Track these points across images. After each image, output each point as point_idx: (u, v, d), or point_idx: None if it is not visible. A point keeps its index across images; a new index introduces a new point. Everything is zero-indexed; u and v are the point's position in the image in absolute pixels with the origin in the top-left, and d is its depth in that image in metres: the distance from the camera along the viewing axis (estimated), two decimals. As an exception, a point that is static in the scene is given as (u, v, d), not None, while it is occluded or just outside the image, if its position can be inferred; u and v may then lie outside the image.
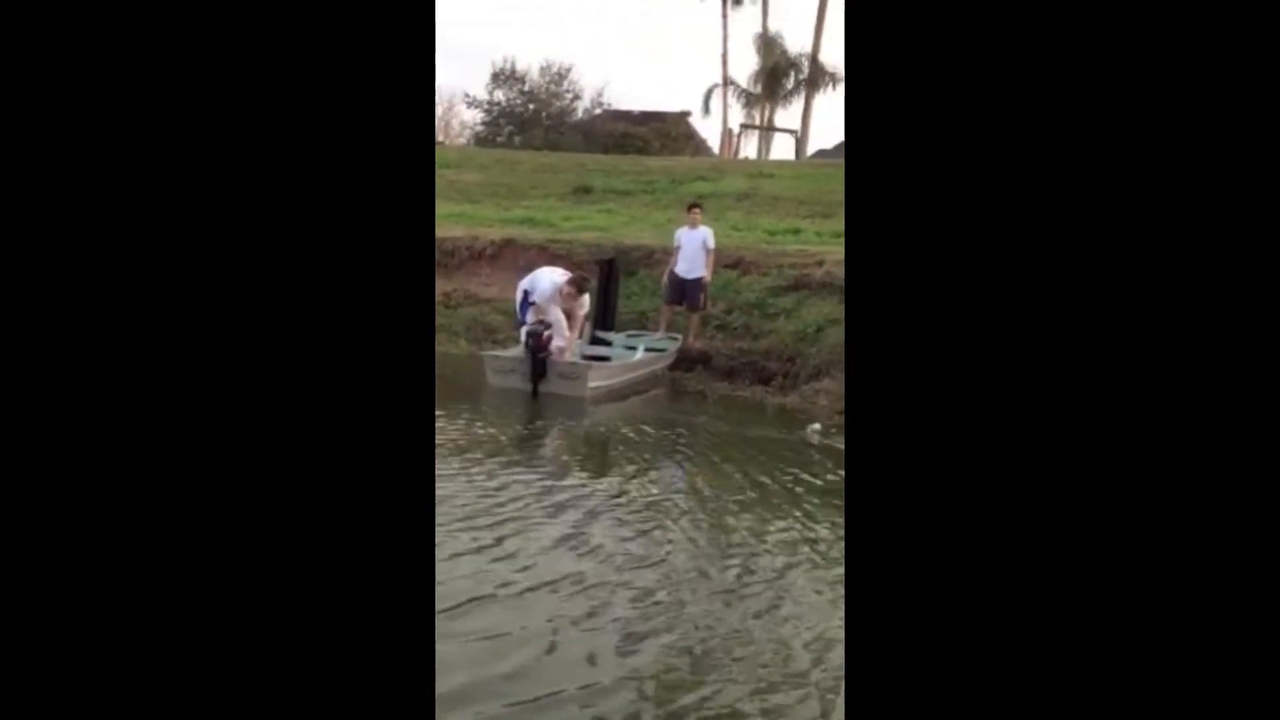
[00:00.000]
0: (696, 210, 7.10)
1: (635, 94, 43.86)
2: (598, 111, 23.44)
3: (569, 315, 5.85)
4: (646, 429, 4.81)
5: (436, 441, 3.87)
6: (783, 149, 22.83)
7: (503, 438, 4.44)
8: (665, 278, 7.09)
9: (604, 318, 6.90)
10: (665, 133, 21.27)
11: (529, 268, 9.19)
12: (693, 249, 6.90)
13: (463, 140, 23.30)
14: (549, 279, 5.87)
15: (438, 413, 4.72)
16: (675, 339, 6.83)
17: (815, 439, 4.79)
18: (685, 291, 6.90)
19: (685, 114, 23.26)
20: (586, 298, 6.07)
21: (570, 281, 5.86)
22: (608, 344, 6.69)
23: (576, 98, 23.86)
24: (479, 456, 3.89)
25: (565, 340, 5.73)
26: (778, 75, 22.13)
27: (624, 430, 4.79)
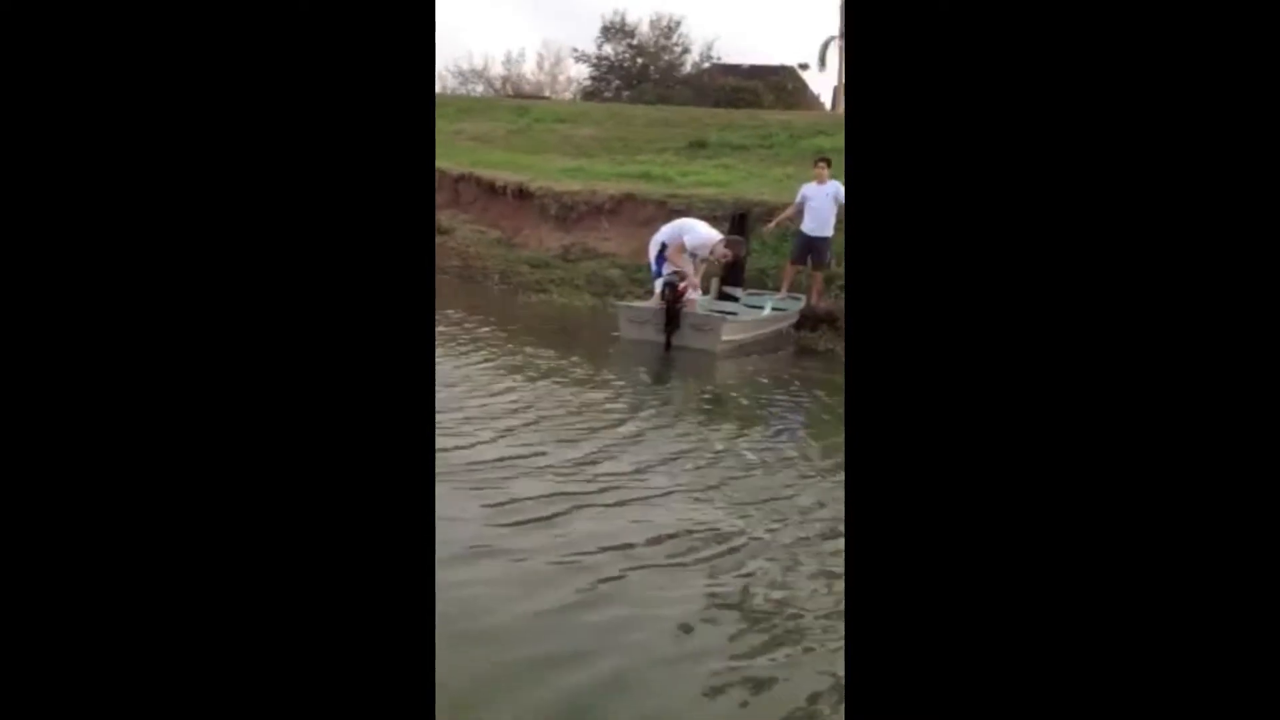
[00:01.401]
0: (824, 165, 6.86)
1: (747, 48, 42.76)
2: (706, 65, 22.99)
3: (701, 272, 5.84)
4: (794, 385, 4.74)
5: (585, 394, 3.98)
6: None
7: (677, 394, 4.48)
8: (795, 235, 6.94)
9: (733, 274, 6.81)
10: (779, 86, 20.69)
11: (648, 223, 9.21)
12: (822, 206, 6.69)
13: (569, 96, 23.32)
14: (705, 232, 5.83)
15: (575, 360, 4.79)
16: (798, 299, 6.69)
17: None
18: (813, 249, 6.73)
19: (803, 66, 22.56)
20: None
21: (728, 244, 5.85)
22: (734, 300, 6.61)
23: (686, 51, 23.48)
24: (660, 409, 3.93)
25: (699, 293, 5.71)
26: (899, 25, 21.06)
27: (789, 385, 4.73)
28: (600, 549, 2.30)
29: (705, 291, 6.34)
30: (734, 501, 2.78)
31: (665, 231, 5.95)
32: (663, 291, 5.54)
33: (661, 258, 5.81)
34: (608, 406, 3.94)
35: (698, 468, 3.14)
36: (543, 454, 3.08)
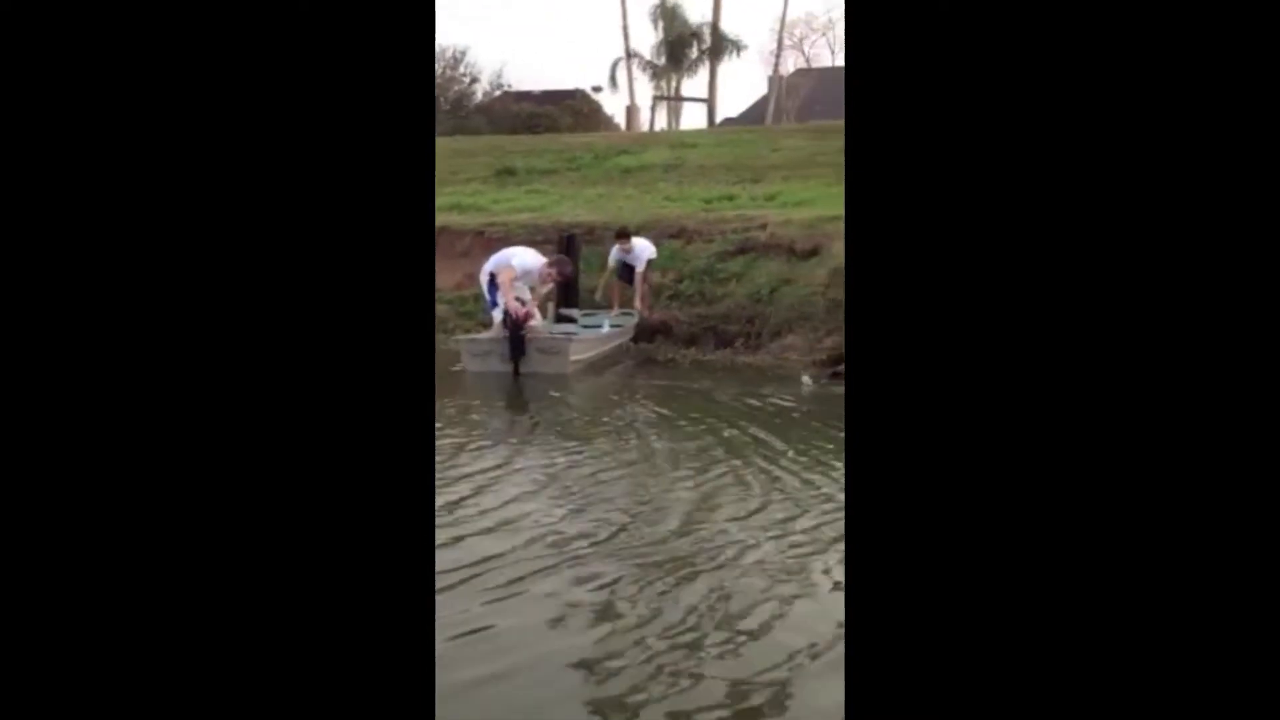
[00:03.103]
0: (625, 240, 6.98)
1: (535, 73, 43.21)
2: (497, 93, 23.03)
3: (537, 294, 5.86)
4: (649, 402, 4.83)
5: (448, 439, 3.84)
6: (690, 119, 22.99)
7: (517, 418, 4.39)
8: (610, 258, 7.13)
9: (567, 296, 6.86)
10: (575, 109, 21.08)
11: (466, 254, 9.07)
12: (636, 259, 6.95)
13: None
14: (532, 257, 5.85)
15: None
16: (631, 313, 6.87)
17: (809, 388, 5.05)
18: (631, 270, 7.01)
19: (596, 89, 23.14)
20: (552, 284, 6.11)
21: (551, 263, 5.91)
22: (573, 320, 6.67)
23: (475, 80, 23.39)
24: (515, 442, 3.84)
25: (538, 318, 5.72)
26: (680, 45, 22.19)
27: (641, 402, 4.79)
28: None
29: (543, 315, 6.35)
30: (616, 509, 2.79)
31: (493, 261, 5.93)
32: (504, 320, 5.49)
33: (494, 286, 5.76)
34: (478, 441, 3.84)
35: (567, 487, 3.13)
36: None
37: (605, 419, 4.36)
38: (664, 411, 4.49)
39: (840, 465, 3.25)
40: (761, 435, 3.86)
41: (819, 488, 3.04)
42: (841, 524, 2.65)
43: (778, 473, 3.24)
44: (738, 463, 3.38)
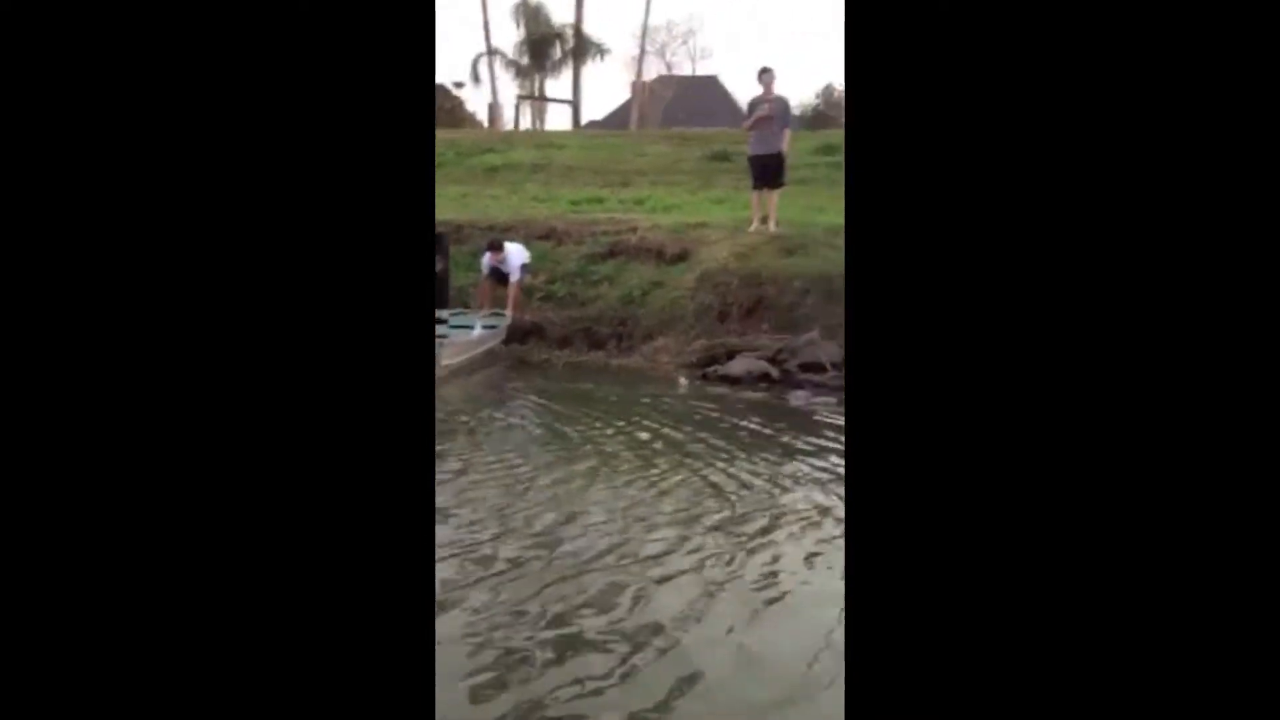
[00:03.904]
0: (498, 250, 6.85)
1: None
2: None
3: None
4: (533, 398, 4.82)
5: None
6: (555, 120, 22.95)
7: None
8: (482, 265, 7.03)
9: (438, 296, 6.70)
10: (437, 105, 20.53)
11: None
12: (509, 266, 6.84)
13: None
14: None
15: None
16: (502, 314, 6.81)
17: (684, 389, 5.26)
18: (501, 273, 6.94)
19: (458, 84, 22.62)
20: None
21: None
22: (443, 322, 6.53)
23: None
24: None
25: None
26: (544, 45, 22.11)
27: (519, 408, 4.76)
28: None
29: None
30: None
31: None
32: None
33: None
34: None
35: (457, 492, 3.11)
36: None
37: (485, 418, 4.34)
38: (560, 409, 4.51)
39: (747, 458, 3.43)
40: (678, 436, 3.98)
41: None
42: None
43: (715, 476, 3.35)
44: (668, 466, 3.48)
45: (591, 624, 2.02)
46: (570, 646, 1.90)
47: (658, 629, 1.98)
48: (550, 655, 1.85)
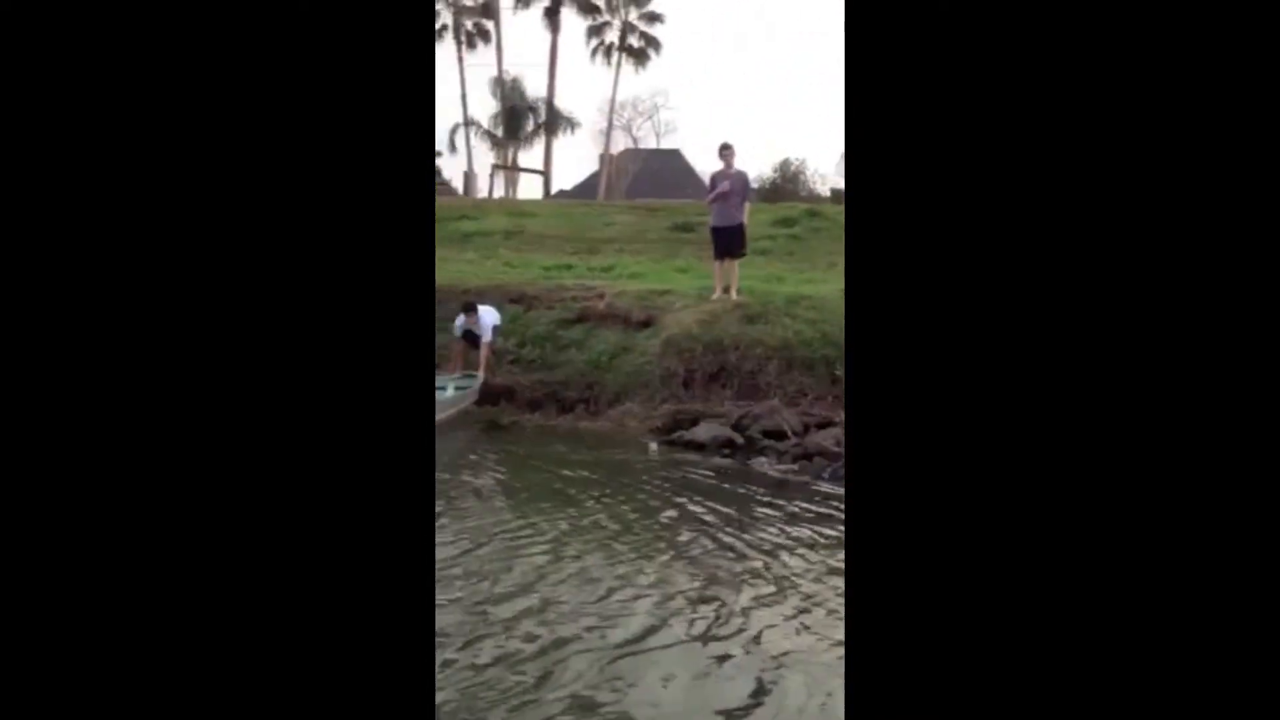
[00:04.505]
0: (472, 312, 7.06)
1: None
2: (329, 148, 22.44)
3: None
4: (499, 468, 4.96)
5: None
6: (526, 189, 23.50)
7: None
8: (455, 327, 7.20)
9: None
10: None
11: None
12: (482, 327, 7.04)
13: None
14: None
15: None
16: (474, 375, 6.96)
17: (654, 453, 5.38)
18: (473, 336, 7.11)
19: (436, 154, 23.15)
20: None
21: None
22: (415, 383, 6.65)
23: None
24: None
25: None
26: (518, 117, 22.80)
27: (489, 471, 4.90)
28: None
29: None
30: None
31: None
32: None
33: None
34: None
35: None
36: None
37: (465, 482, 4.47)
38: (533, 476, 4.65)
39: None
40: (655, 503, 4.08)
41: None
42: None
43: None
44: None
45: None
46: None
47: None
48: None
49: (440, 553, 3.21)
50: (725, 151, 7.63)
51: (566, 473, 4.73)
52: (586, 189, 24.67)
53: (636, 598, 2.68)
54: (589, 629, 2.41)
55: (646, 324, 7.53)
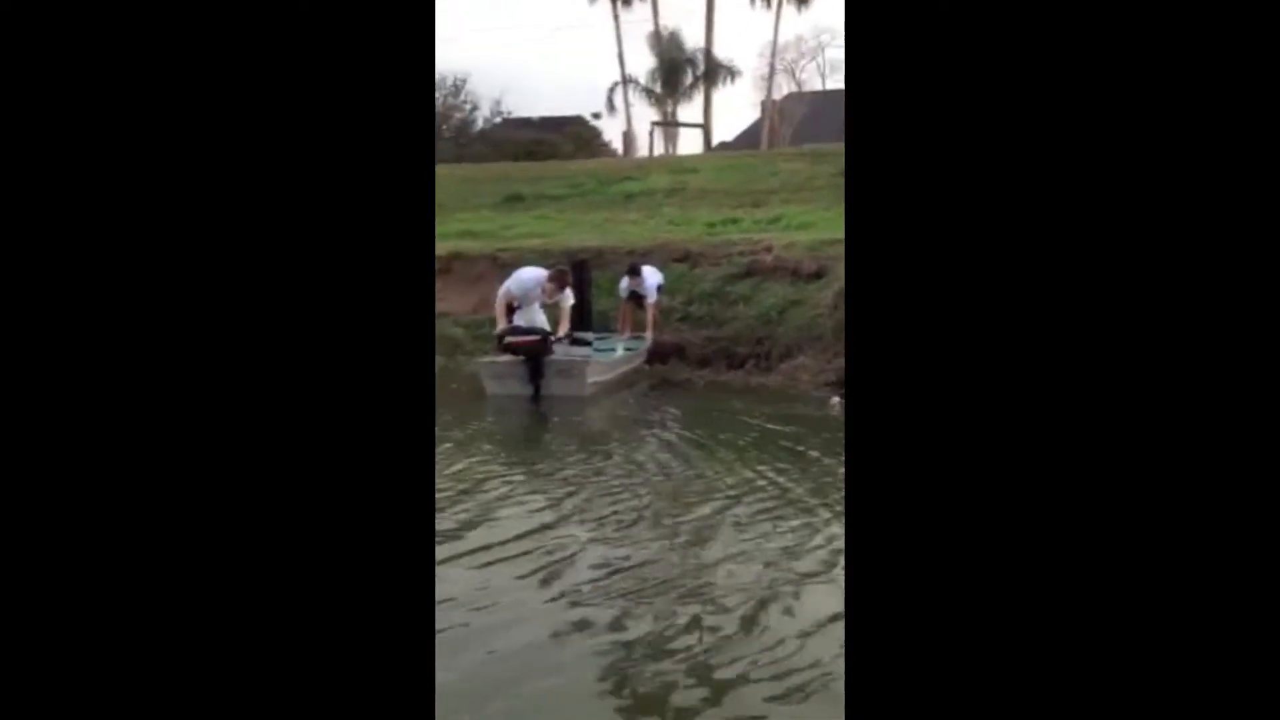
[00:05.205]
0: (635, 273, 7.03)
1: (533, 100, 43.83)
2: (498, 120, 23.37)
3: (558, 310, 6.00)
4: (693, 426, 5.00)
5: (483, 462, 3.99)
6: (686, 144, 23.33)
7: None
8: (621, 288, 7.26)
9: (580, 319, 7.03)
10: (575, 135, 21.41)
11: (480, 279, 9.24)
12: (645, 287, 7.04)
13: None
14: (530, 275, 5.98)
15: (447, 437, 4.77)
16: (641, 337, 7.04)
17: (837, 410, 5.11)
18: (638, 295, 7.13)
19: (595, 115, 23.53)
20: (569, 292, 6.12)
21: (550, 278, 5.96)
22: (588, 344, 6.84)
23: (475, 108, 23.73)
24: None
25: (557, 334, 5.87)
26: (676, 71, 22.59)
27: (696, 426, 4.96)
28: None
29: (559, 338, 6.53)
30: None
31: (507, 283, 6.09)
32: (498, 342, 5.67)
33: (512, 309, 5.93)
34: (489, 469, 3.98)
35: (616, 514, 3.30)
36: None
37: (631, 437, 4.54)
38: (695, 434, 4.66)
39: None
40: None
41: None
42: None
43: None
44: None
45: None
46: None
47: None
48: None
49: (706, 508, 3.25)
50: None
51: (772, 427, 4.67)
52: (749, 138, 24.14)
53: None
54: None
55: (818, 275, 7.28)
